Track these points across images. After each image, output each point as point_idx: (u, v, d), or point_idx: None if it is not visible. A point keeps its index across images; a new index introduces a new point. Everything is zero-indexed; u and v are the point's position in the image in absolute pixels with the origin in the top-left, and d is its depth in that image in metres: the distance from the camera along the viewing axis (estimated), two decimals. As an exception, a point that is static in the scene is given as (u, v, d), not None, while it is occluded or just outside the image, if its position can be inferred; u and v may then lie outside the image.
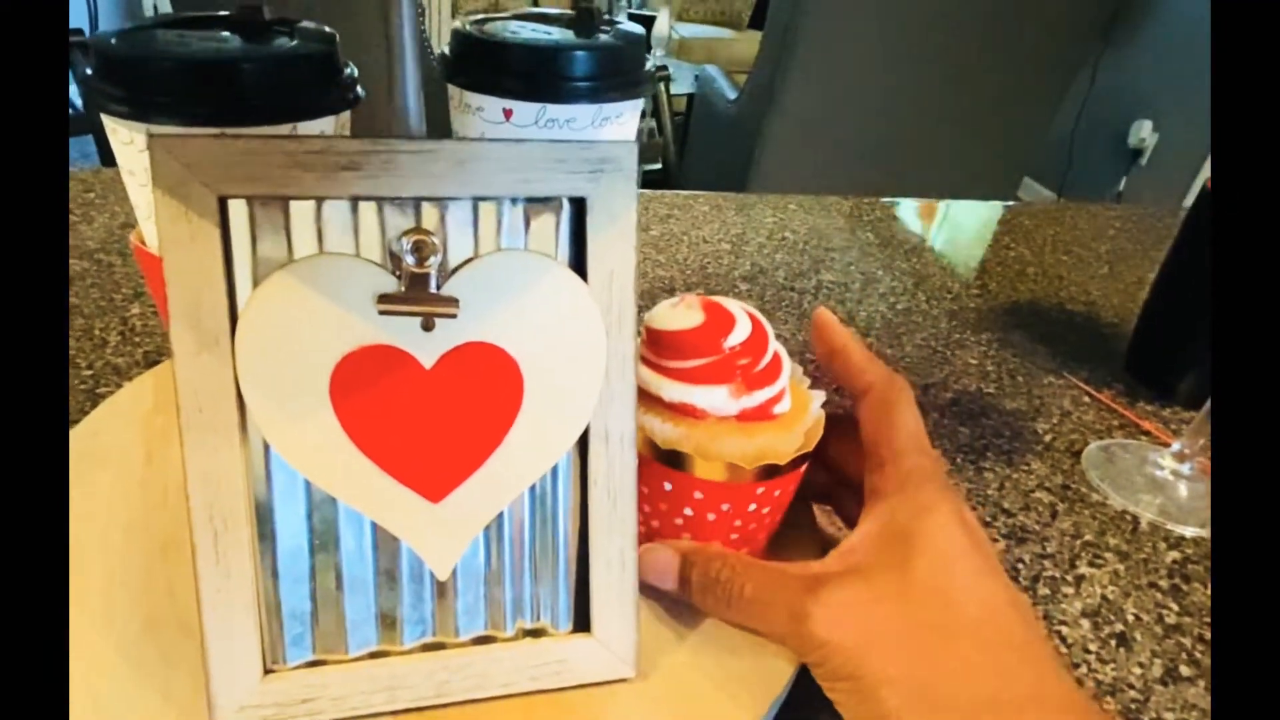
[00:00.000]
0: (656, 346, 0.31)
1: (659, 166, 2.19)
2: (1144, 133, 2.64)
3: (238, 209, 0.24)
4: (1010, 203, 0.95)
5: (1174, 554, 0.44)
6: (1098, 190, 2.80)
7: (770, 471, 0.30)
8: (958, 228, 0.88)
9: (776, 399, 0.31)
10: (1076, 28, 1.70)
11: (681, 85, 2.36)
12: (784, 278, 0.71)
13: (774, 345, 0.32)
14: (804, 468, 0.32)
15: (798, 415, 0.32)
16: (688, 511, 0.31)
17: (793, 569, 0.28)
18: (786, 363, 0.32)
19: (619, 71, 0.36)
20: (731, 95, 1.85)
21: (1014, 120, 1.83)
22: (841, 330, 0.34)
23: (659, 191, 0.86)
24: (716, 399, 0.30)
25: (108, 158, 1.30)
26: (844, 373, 0.33)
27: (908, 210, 0.90)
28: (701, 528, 0.31)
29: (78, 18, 2.89)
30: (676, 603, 0.32)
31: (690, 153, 2.21)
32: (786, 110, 1.64)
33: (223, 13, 0.34)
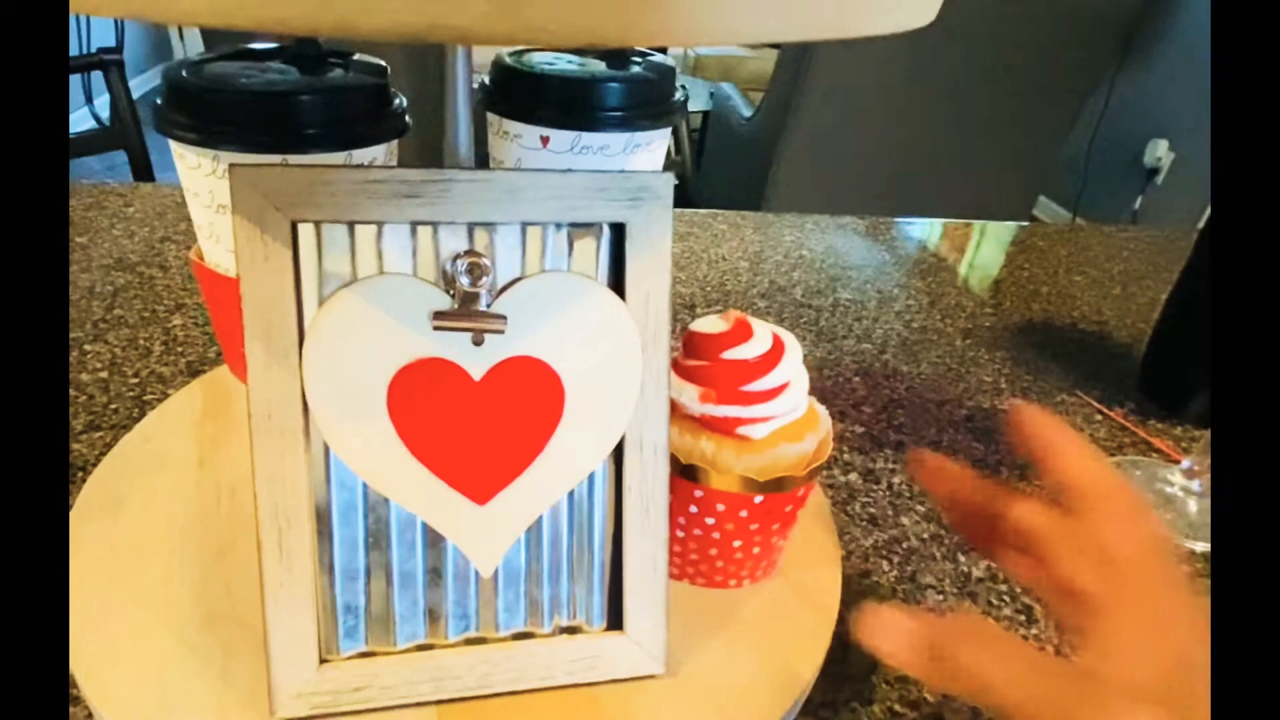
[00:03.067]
0: (684, 347, 0.34)
1: (676, 182, 2.21)
2: (1160, 151, 2.64)
3: (307, 232, 0.26)
4: (1024, 224, 0.97)
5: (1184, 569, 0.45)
6: (1113, 209, 2.80)
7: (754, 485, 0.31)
8: (972, 248, 0.89)
9: (744, 422, 0.32)
10: (1092, 47, 1.71)
11: (697, 102, 2.38)
12: (801, 295, 0.72)
13: (782, 378, 0.32)
14: (743, 498, 0.32)
15: (764, 446, 0.32)
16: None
17: (1065, 666, 0.23)
18: (792, 400, 0.33)
19: (650, 101, 0.38)
20: (747, 113, 1.87)
21: (1029, 139, 1.84)
22: (1052, 423, 0.28)
23: (678, 210, 0.89)
24: (686, 396, 0.32)
25: (140, 173, 1.33)
26: (1058, 473, 0.27)
27: (922, 230, 0.91)
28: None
29: (105, 34, 2.97)
30: (703, 603, 0.34)
31: (705, 169, 2.23)
32: (802, 128, 1.66)
33: (281, 44, 0.36)
